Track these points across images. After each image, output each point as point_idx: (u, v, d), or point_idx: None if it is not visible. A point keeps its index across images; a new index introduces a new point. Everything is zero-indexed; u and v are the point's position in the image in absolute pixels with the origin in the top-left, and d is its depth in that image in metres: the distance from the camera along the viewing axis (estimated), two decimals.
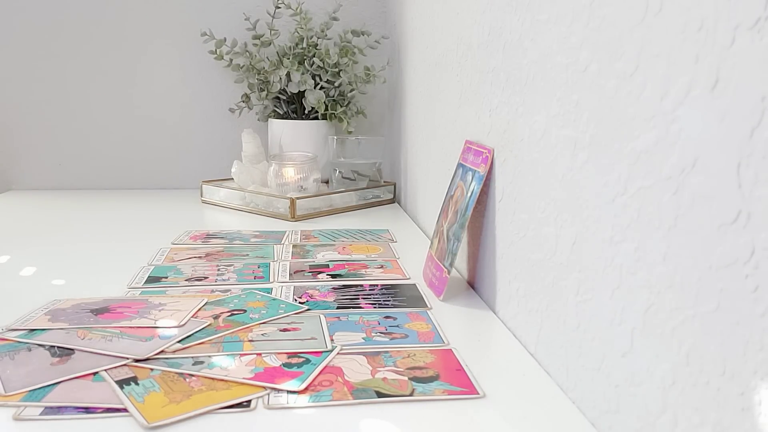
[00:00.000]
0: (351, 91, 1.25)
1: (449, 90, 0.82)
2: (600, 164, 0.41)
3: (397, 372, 0.48)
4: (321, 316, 0.59)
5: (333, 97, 1.25)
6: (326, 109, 1.24)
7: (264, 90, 1.26)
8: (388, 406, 0.43)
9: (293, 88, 1.21)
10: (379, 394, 0.44)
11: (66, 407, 0.42)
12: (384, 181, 1.25)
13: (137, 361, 0.48)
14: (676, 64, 0.33)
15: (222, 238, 0.91)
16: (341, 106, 1.25)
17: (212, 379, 0.46)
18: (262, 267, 0.76)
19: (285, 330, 0.55)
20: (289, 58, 1.22)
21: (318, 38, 1.24)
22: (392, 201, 1.24)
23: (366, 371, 0.48)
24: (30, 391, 0.44)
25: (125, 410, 0.41)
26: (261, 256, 0.81)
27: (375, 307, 0.62)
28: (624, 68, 0.38)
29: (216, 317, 0.57)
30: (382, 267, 0.76)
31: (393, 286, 0.69)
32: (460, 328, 0.58)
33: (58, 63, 1.29)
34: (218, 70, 1.32)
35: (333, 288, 0.68)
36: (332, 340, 0.53)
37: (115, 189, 1.34)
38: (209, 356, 0.50)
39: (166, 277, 0.71)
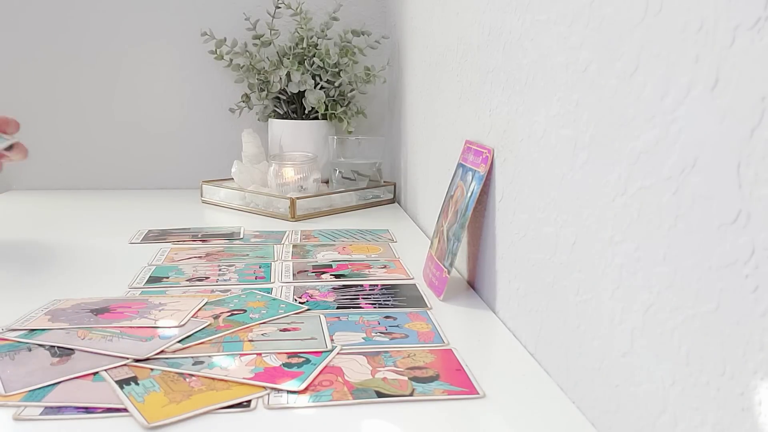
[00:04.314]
0: (351, 91, 1.25)
1: (449, 90, 0.82)
2: (600, 164, 0.41)
3: (397, 372, 0.48)
4: (321, 316, 0.59)
5: (333, 97, 1.25)
6: (326, 109, 1.24)
7: (264, 90, 1.26)
8: (388, 406, 0.43)
9: (293, 88, 1.21)
10: (379, 394, 0.44)
11: (66, 407, 0.42)
12: (384, 181, 1.25)
13: (137, 361, 0.48)
14: (676, 64, 0.33)
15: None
16: (341, 106, 1.25)
17: (212, 379, 0.46)
18: (263, 267, 0.76)
19: (285, 330, 0.55)
20: (289, 58, 1.22)
21: (318, 38, 1.24)
22: (392, 201, 1.24)
23: (366, 371, 0.48)
24: (30, 391, 0.44)
25: (125, 410, 0.41)
26: (261, 256, 0.81)
27: (375, 307, 0.62)
28: (624, 68, 0.38)
29: (216, 317, 0.57)
30: (385, 267, 0.76)
31: (393, 286, 0.69)
32: (460, 328, 0.58)
33: (58, 63, 1.29)
34: (218, 70, 1.32)
35: (333, 288, 0.68)
36: (332, 340, 0.53)
37: (115, 189, 1.34)
38: (209, 356, 0.50)
39: (168, 278, 0.71)
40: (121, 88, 1.32)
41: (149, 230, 0.95)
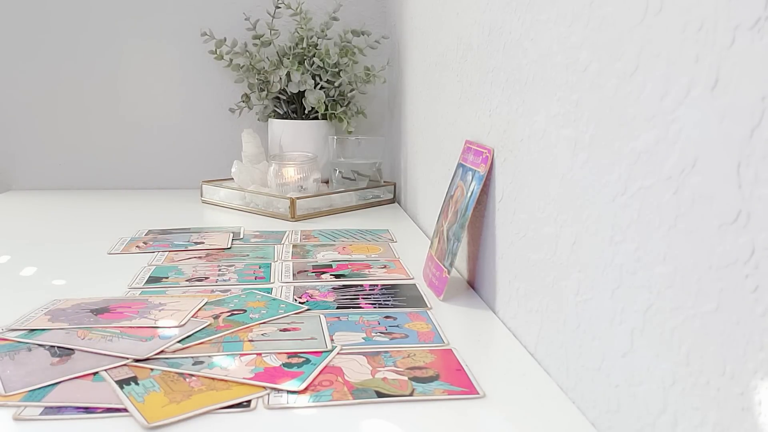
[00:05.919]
0: (351, 91, 1.25)
1: (449, 90, 0.82)
2: (600, 164, 0.41)
3: (397, 372, 0.48)
4: (321, 316, 0.59)
5: (333, 97, 1.25)
6: (326, 109, 1.24)
7: (264, 90, 1.26)
8: (388, 406, 0.43)
9: (293, 88, 1.21)
10: (379, 394, 0.44)
11: (66, 407, 0.42)
12: (384, 181, 1.25)
13: (137, 361, 0.48)
14: (676, 64, 0.33)
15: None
16: (341, 106, 1.25)
17: (212, 379, 0.46)
18: (263, 267, 0.76)
19: (285, 330, 0.55)
20: (289, 58, 1.22)
21: (318, 38, 1.24)
22: (392, 201, 1.24)
23: (366, 371, 0.48)
24: (30, 391, 0.44)
25: (125, 410, 0.41)
26: (261, 257, 0.81)
27: (375, 307, 0.62)
28: (624, 68, 0.38)
29: (216, 317, 0.57)
30: (385, 267, 0.76)
31: (393, 286, 0.69)
32: (460, 328, 0.58)
33: (57, 63, 1.29)
34: (218, 70, 1.32)
35: (333, 288, 0.68)
36: (332, 340, 0.53)
37: (115, 189, 1.34)
38: (209, 356, 0.50)
39: (167, 278, 0.71)
40: (121, 88, 1.32)
41: (149, 230, 0.95)
